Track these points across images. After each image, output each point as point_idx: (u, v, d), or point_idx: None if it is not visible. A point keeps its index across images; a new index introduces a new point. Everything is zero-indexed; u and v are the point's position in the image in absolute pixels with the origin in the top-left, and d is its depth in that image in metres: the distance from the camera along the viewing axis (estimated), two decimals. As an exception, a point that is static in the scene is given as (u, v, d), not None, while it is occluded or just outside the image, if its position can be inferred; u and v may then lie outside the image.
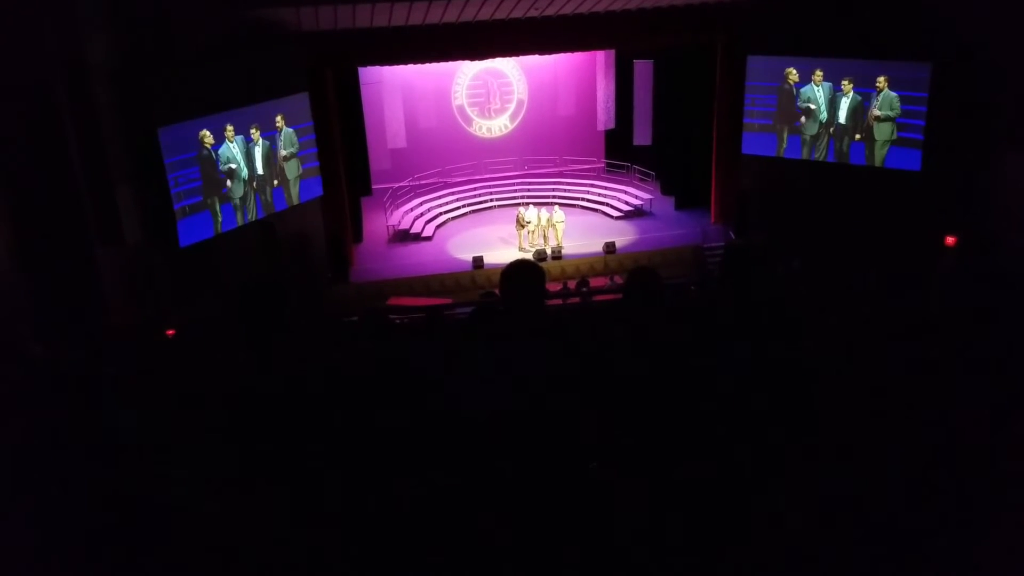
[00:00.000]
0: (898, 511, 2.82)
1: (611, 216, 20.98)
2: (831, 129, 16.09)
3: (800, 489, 2.90)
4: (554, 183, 22.67)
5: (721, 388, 3.15)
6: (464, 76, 23.23)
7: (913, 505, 2.84)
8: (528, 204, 19.79)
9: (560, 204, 20.51)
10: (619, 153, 23.35)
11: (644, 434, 3.05)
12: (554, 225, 18.79)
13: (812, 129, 16.30)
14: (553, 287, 15.78)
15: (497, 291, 4.83)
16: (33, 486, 3.29)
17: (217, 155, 13.80)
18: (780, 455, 3.02)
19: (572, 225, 19.30)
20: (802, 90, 16.19)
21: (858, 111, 15.65)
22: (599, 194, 21.97)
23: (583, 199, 21.91)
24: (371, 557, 2.83)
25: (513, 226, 19.16)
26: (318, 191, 16.33)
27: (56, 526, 3.07)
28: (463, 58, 20.17)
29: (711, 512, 2.85)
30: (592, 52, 22.35)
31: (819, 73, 15.91)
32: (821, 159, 16.39)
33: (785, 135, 16.63)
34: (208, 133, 13.56)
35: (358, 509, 2.92)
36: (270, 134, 14.91)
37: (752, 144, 17.21)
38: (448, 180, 22.92)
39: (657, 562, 2.74)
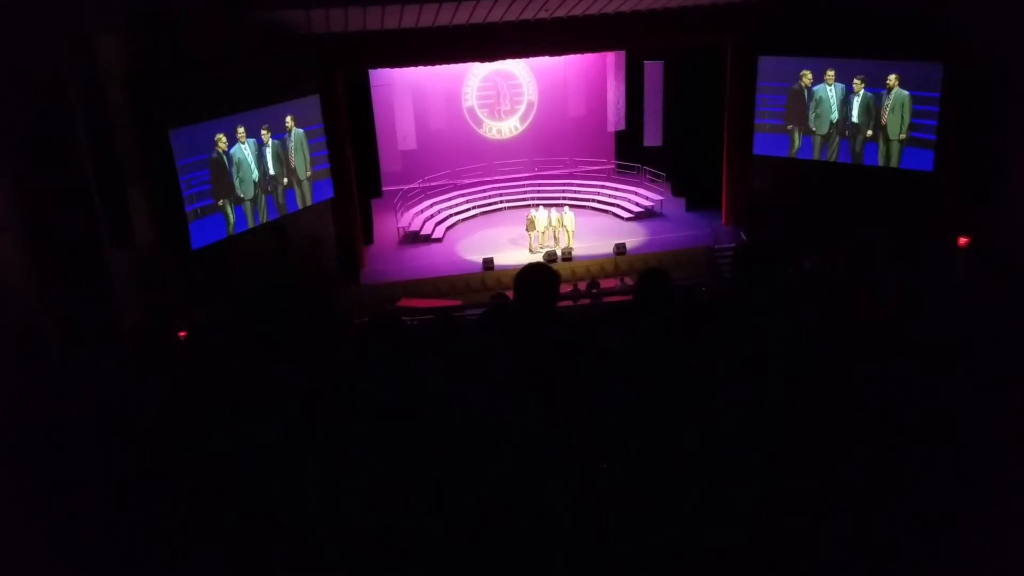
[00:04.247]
0: (898, 513, 2.80)
1: (621, 217, 20.94)
2: (844, 129, 16.02)
3: (803, 490, 2.88)
4: (564, 184, 22.66)
5: (730, 390, 3.13)
6: (474, 78, 23.25)
7: (913, 507, 2.82)
8: (538, 205, 19.78)
9: (570, 205, 20.50)
10: (629, 154, 23.29)
11: (650, 436, 3.04)
12: (564, 226, 18.77)
13: (824, 129, 16.24)
14: (563, 288, 15.76)
15: (506, 292, 4.83)
16: (51, 487, 3.31)
17: (229, 157, 13.87)
18: (786, 455, 3.01)
19: (582, 226, 19.27)
20: (815, 90, 16.13)
21: (870, 109, 15.57)
22: (609, 195, 21.94)
23: (593, 200, 21.88)
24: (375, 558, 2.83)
25: (523, 227, 19.16)
26: (329, 193, 16.38)
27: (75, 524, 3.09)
28: (473, 60, 20.20)
29: (712, 514, 2.84)
30: (602, 53, 22.31)
31: (831, 73, 15.85)
32: (833, 159, 16.32)
33: (798, 135, 16.57)
34: (223, 136, 13.64)
35: (364, 511, 2.92)
36: (280, 136, 14.96)
37: (763, 145, 17.14)
38: (458, 182, 22.94)
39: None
